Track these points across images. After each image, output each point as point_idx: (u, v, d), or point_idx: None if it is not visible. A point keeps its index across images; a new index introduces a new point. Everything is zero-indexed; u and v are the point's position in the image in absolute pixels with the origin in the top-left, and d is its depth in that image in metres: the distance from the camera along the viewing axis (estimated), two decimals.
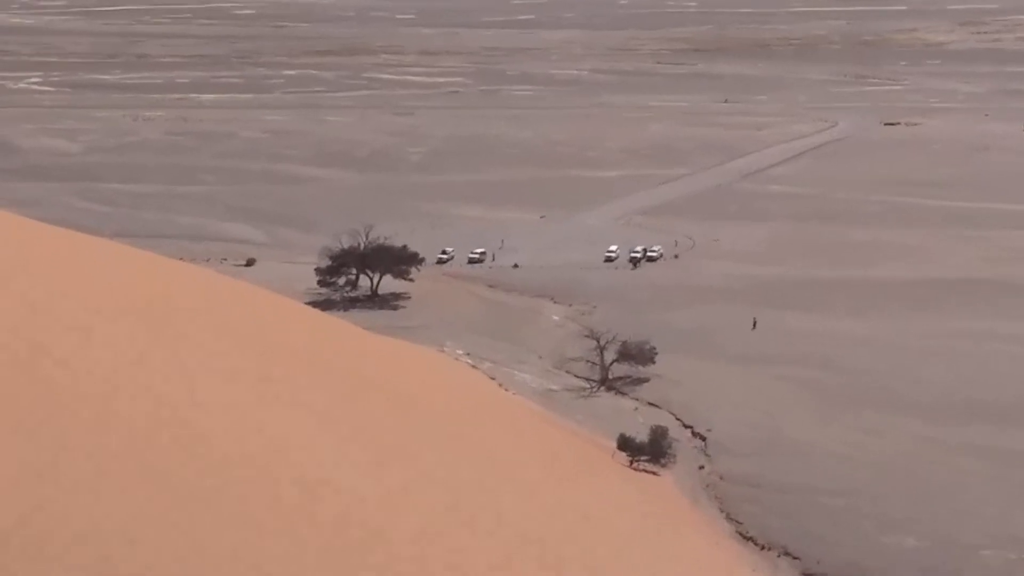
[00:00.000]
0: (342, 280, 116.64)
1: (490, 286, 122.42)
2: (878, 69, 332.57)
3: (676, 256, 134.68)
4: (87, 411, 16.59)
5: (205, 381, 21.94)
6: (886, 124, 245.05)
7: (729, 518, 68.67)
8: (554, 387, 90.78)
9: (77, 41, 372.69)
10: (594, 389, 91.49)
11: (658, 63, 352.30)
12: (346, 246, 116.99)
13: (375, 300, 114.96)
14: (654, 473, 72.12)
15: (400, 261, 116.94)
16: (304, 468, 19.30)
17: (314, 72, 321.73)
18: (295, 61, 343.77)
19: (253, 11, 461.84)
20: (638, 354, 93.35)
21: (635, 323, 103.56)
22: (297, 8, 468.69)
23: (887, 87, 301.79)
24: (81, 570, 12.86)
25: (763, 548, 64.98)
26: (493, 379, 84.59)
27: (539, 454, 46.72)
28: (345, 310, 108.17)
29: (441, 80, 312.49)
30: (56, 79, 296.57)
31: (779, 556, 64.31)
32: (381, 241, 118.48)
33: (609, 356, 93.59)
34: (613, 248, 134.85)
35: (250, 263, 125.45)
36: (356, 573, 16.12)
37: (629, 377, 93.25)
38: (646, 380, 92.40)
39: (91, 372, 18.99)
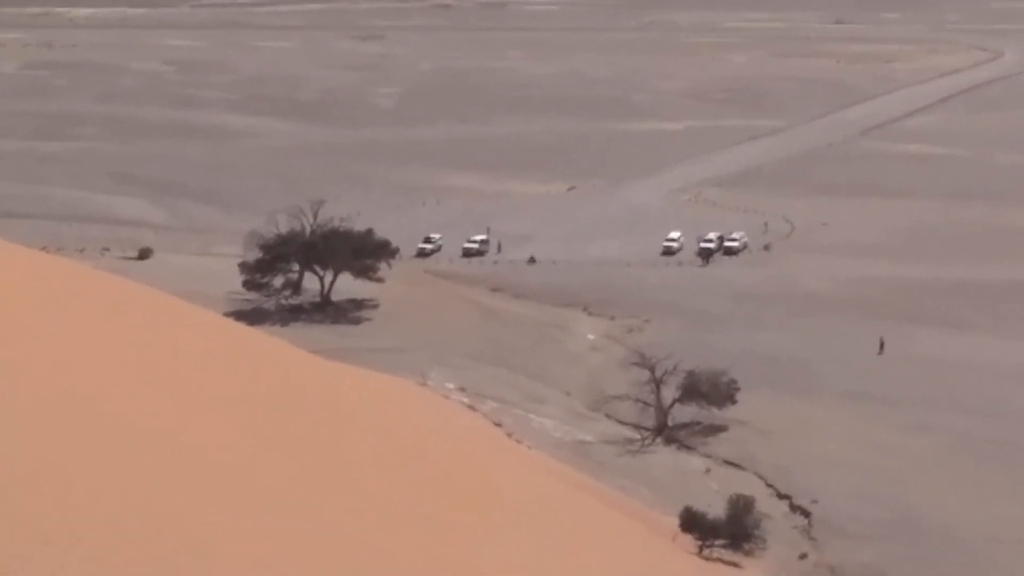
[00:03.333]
0: (279, 281, 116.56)
1: (494, 290, 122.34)
2: None
3: (766, 247, 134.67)
4: None
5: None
6: None
7: None
8: (588, 438, 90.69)
9: None
10: (647, 441, 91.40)
11: None
12: (285, 232, 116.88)
13: (327, 310, 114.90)
14: (735, 564, 71.98)
15: (363, 254, 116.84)
16: None
17: None
18: None
19: None
20: (711, 391, 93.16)
21: (706, 346, 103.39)
22: None
23: None
24: None
25: None
26: (499, 425, 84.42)
27: (565, 535, 46.42)
28: (284, 324, 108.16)
29: None
30: None
31: None
32: (335, 225, 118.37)
33: (669, 393, 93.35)
34: (674, 236, 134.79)
35: (144, 255, 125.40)
36: None
37: (698, 424, 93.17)
38: (722, 429, 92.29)
39: None
